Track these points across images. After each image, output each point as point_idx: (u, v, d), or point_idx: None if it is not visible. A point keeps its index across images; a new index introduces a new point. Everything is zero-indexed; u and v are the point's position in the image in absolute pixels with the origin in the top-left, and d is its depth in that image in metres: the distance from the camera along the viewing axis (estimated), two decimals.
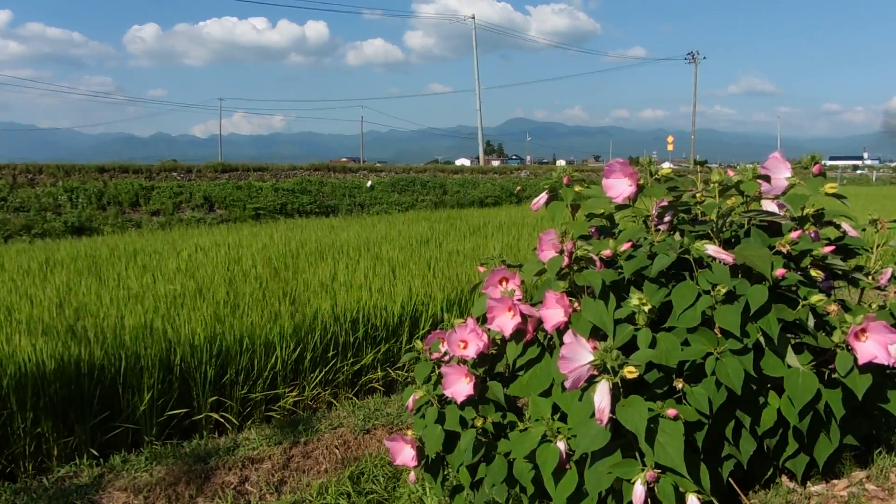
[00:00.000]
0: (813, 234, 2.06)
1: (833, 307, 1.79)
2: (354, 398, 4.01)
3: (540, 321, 1.90)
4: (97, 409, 3.26)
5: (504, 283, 2.06)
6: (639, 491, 1.57)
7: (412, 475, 2.29)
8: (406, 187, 22.41)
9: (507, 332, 1.95)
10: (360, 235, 9.09)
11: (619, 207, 2.09)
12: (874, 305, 2.02)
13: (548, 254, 1.92)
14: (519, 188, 17.29)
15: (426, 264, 6.09)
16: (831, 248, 1.94)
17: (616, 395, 1.60)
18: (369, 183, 21.63)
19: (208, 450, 3.27)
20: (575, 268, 1.87)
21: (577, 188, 2.11)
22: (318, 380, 3.91)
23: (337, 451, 3.33)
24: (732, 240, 1.96)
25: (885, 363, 1.67)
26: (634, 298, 1.72)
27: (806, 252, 1.93)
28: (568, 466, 1.77)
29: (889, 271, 2.14)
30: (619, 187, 2.00)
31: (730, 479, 1.88)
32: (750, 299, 1.71)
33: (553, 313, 1.84)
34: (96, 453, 3.19)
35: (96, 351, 3.41)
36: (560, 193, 2.14)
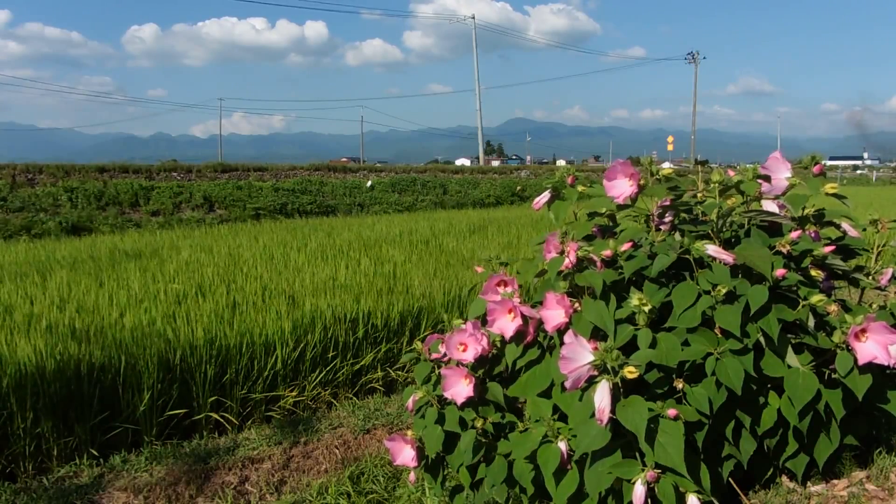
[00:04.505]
0: (813, 235, 2.06)
1: (833, 307, 1.78)
2: (354, 398, 4.01)
3: (540, 322, 1.90)
4: (97, 409, 3.26)
5: (502, 287, 2.06)
6: (639, 491, 1.57)
7: (412, 475, 2.29)
8: (406, 187, 22.40)
9: (508, 335, 1.95)
10: (360, 235, 9.09)
11: (621, 207, 2.09)
12: (874, 306, 2.02)
13: (552, 255, 1.92)
14: (519, 188, 17.28)
15: (426, 264, 6.09)
16: (831, 248, 1.94)
17: (616, 396, 1.60)
18: (369, 183, 21.62)
19: (208, 450, 3.27)
20: (576, 268, 1.86)
21: (580, 188, 2.11)
22: (318, 380, 3.91)
23: (337, 451, 3.33)
24: (733, 240, 1.96)
25: (885, 363, 1.67)
26: (635, 299, 1.72)
27: (806, 252, 1.93)
28: (569, 467, 1.77)
29: (889, 272, 2.14)
30: (621, 187, 2.00)
31: (730, 479, 1.88)
32: (750, 299, 1.71)
33: (554, 314, 1.84)
34: (96, 453, 3.19)
35: (96, 351, 3.41)
36: (563, 193, 2.14)
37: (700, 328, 1.77)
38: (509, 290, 2.02)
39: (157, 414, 3.40)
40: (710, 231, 1.93)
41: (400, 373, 4.24)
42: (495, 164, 50.43)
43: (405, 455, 2.14)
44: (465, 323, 2.05)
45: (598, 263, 1.90)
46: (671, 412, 1.60)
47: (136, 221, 15.27)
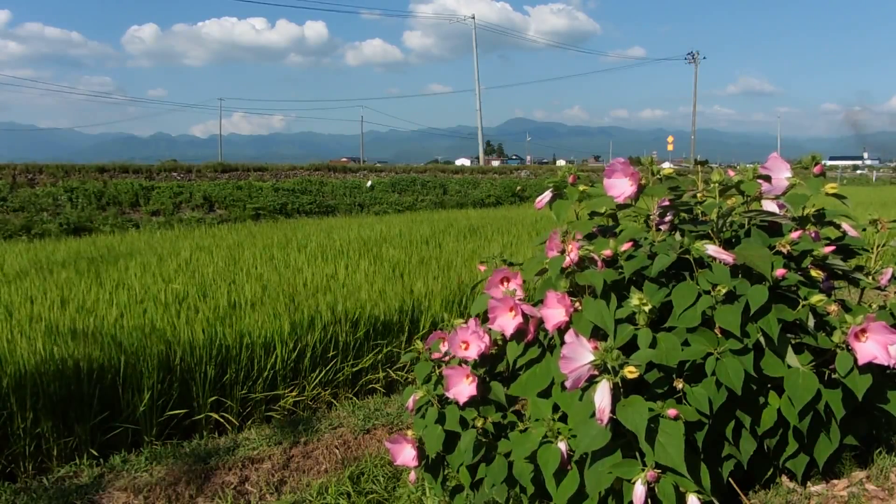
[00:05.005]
0: (813, 235, 2.06)
1: (833, 307, 1.78)
2: (354, 398, 4.01)
3: (541, 321, 1.90)
4: (97, 409, 3.26)
5: (506, 283, 2.06)
6: (639, 491, 1.57)
7: (412, 475, 2.29)
8: (406, 187, 22.41)
9: (509, 333, 1.95)
10: (361, 235, 9.09)
11: (620, 207, 2.09)
12: (874, 305, 2.02)
13: (553, 253, 1.92)
14: (519, 188, 17.29)
15: (426, 264, 6.09)
16: (831, 248, 1.94)
17: (616, 395, 1.60)
18: (369, 183, 21.63)
19: (208, 450, 3.27)
20: (577, 267, 1.87)
21: (581, 187, 2.11)
22: (318, 380, 3.91)
23: (337, 451, 3.33)
24: (733, 240, 1.96)
25: (885, 363, 1.67)
26: (635, 298, 1.72)
27: (806, 252, 1.93)
28: (569, 467, 1.77)
29: (889, 271, 2.14)
30: (621, 187, 2.00)
31: (730, 479, 1.88)
32: (750, 299, 1.71)
33: (554, 313, 1.84)
34: (96, 453, 3.19)
35: (96, 351, 3.41)
36: (565, 192, 2.14)
37: (700, 328, 1.77)
38: (512, 285, 2.02)
39: (157, 414, 3.40)
40: (710, 231, 1.93)
41: (400, 373, 4.24)
42: (495, 164, 50.45)
43: (405, 455, 2.14)
44: (466, 322, 2.05)
45: (599, 263, 1.90)
46: (671, 412, 1.60)
47: (136, 221, 15.27)
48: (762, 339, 1.76)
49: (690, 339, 1.76)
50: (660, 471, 1.58)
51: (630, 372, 1.56)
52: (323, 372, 3.94)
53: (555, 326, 1.83)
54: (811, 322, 1.82)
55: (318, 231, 10.31)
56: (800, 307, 1.81)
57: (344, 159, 58.75)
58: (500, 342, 2.07)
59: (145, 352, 3.44)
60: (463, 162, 53.62)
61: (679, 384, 1.73)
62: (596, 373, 1.62)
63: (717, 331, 1.77)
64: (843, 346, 1.72)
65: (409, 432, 2.14)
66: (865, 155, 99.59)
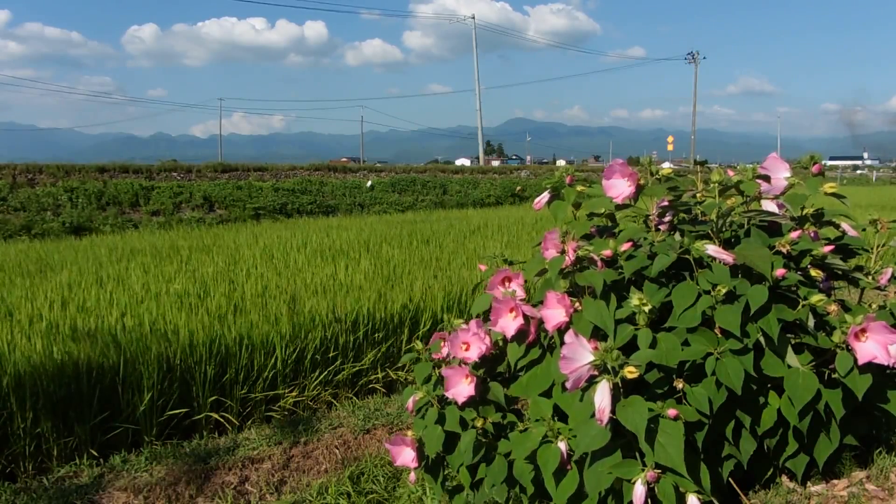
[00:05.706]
0: (812, 234, 2.06)
1: (833, 307, 1.79)
2: (354, 398, 4.01)
3: (541, 322, 1.90)
4: (97, 409, 3.26)
5: (507, 283, 2.06)
6: (639, 491, 1.57)
7: (412, 476, 2.29)
8: (406, 187, 22.41)
9: (510, 334, 1.95)
10: (361, 235, 9.09)
11: (620, 207, 2.09)
12: (874, 305, 2.02)
13: (551, 253, 1.92)
14: (519, 188, 17.29)
15: (426, 264, 6.09)
16: (831, 247, 1.94)
17: (616, 396, 1.60)
18: (369, 183, 21.63)
19: (208, 450, 3.27)
20: (576, 268, 1.87)
21: (579, 188, 2.11)
22: (318, 380, 3.91)
23: (337, 451, 3.33)
24: (732, 240, 1.96)
25: (885, 363, 1.67)
26: (635, 298, 1.72)
27: (806, 252, 1.93)
28: (569, 467, 1.77)
29: (889, 271, 2.14)
30: (619, 187, 2.00)
31: (730, 479, 1.88)
32: (750, 299, 1.71)
33: (554, 313, 1.84)
34: (96, 453, 3.19)
35: (96, 351, 3.41)
36: (562, 193, 2.14)
37: (700, 328, 1.77)
38: (514, 286, 2.02)
39: (158, 414, 3.40)
40: (709, 231, 1.93)
41: (400, 373, 4.24)
42: (495, 164, 50.45)
43: (405, 456, 2.14)
44: (465, 322, 2.05)
45: (599, 263, 1.91)
46: (671, 412, 1.60)
47: (136, 221, 15.27)
48: (762, 339, 1.76)
49: (690, 339, 1.76)
50: (660, 471, 1.58)
51: (630, 372, 1.56)
52: (323, 372, 3.94)
53: (555, 327, 1.83)
54: (811, 322, 1.82)
55: (318, 231, 10.31)
56: (800, 307, 1.81)
57: (344, 159, 58.78)
58: (501, 343, 2.07)
59: (145, 352, 3.44)
60: (463, 162, 53.63)
61: (679, 384, 1.73)
62: (596, 373, 1.62)
63: (717, 331, 1.77)
64: (843, 345, 1.72)
65: (409, 433, 2.14)
66: (865, 155, 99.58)
